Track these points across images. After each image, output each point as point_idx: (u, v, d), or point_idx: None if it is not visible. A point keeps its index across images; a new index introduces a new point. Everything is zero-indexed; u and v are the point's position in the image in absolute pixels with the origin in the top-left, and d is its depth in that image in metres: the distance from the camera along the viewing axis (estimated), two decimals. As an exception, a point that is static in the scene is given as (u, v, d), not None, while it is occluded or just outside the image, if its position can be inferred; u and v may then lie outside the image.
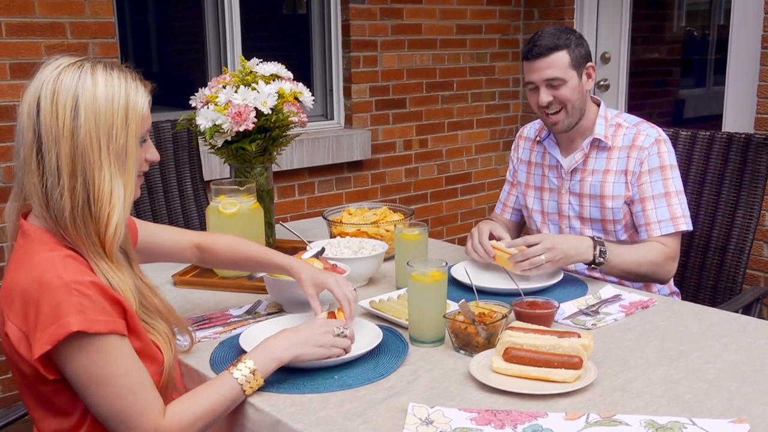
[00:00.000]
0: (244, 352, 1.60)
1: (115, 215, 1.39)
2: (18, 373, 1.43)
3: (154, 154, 1.51)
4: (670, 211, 2.24)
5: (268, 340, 1.55)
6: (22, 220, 1.43)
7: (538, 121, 2.50)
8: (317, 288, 1.75)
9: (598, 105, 2.35)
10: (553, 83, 2.22)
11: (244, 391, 1.47)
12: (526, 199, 2.50)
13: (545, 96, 2.23)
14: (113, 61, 1.44)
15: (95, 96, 1.36)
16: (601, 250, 2.12)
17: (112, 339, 1.34)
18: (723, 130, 3.58)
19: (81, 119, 1.35)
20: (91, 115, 1.36)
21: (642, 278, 2.23)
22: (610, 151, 2.30)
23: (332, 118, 4.28)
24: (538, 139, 2.45)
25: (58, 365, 1.35)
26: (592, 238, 2.16)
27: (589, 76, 2.28)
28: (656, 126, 2.32)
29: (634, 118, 2.34)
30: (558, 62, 2.21)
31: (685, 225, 2.25)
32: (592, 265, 2.14)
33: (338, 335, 1.58)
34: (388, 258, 2.26)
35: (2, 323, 1.40)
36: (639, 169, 2.25)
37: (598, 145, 2.31)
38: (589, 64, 2.28)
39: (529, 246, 2.09)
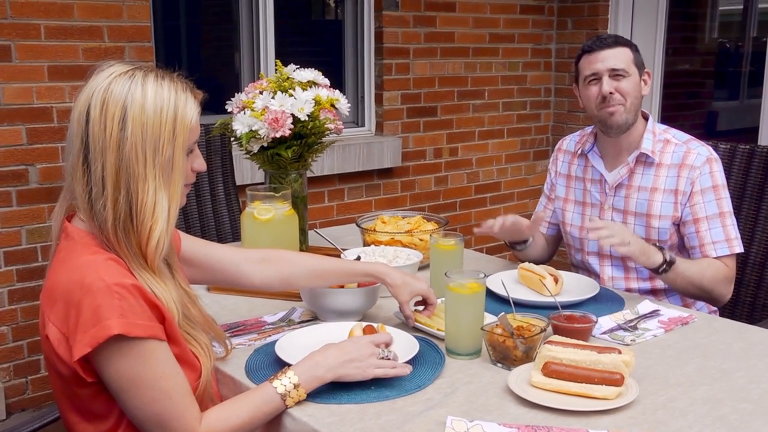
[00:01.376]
0: (280, 360, 1.60)
1: (157, 229, 1.38)
2: (55, 375, 1.43)
3: (201, 164, 1.50)
4: (724, 232, 2.20)
5: (313, 356, 1.52)
6: (66, 222, 1.44)
7: (578, 133, 2.47)
8: (411, 295, 1.81)
9: (646, 119, 2.31)
10: (617, 74, 2.21)
11: (286, 403, 1.45)
12: (565, 213, 2.46)
13: (607, 86, 2.21)
14: (164, 70, 1.43)
15: (144, 108, 1.36)
16: (668, 253, 2.08)
17: (151, 343, 1.34)
18: (759, 144, 3.53)
19: (128, 131, 1.35)
20: (138, 128, 1.35)
21: (702, 292, 2.17)
22: (658, 168, 2.26)
23: (363, 125, 4.27)
24: (580, 151, 2.42)
25: (96, 368, 1.35)
26: (654, 244, 2.11)
27: (645, 82, 2.27)
28: (706, 144, 2.28)
29: (683, 135, 2.30)
30: (623, 55, 2.23)
31: (739, 247, 2.21)
32: (663, 267, 2.07)
33: (382, 358, 1.56)
34: (422, 267, 2.24)
35: (43, 324, 1.40)
36: (690, 189, 2.21)
37: (644, 160, 2.27)
38: (646, 70, 2.27)
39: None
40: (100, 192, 1.36)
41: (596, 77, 2.23)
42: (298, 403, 1.47)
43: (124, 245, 1.38)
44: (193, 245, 1.78)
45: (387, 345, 1.61)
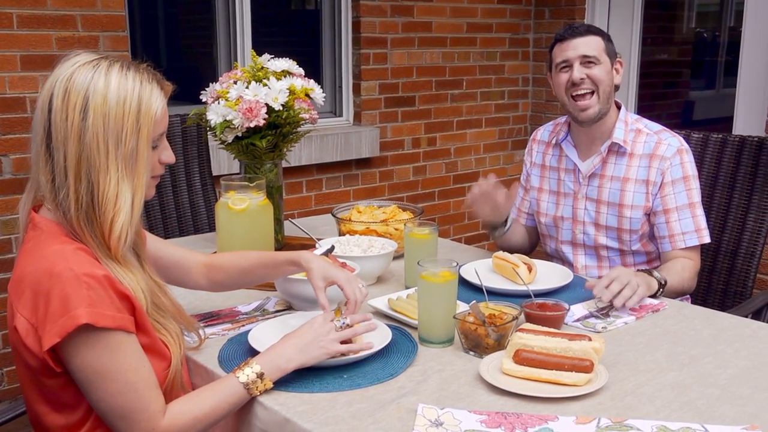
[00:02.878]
0: (253, 349, 1.60)
1: (119, 220, 1.37)
2: (23, 366, 1.42)
3: (169, 156, 1.49)
4: (694, 223, 2.23)
5: (274, 348, 1.53)
6: (33, 213, 1.43)
7: (552, 123, 2.48)
8: (326, 281, 1.68)
9: (619, 108, 2.33)
10: (588, 60, 2.23)
11: (251, 393, 1.46)
12: (540, 203, 2.48)
13: (578, 72, 2.22)
14: (132, 61, 1.42)
15: (106, 98, 1.35)
16: (661, 276, 2.06)
17: (118, 335, 1.34)
18: (734, 133, 3.56)
19: (89, 121, 1.34)
20: (99, 118, 1.34)
21: (680, 294, 2.22)
22: (630, 158, 2.28)
23: (341, 115, 4.27)
24: (554, 141, 2.43)
25: (63, 359, 1.35)
26: (643, 270, 2.08)
27: (617, 71, 2.29)
28: (677, 134, 2.30)
29: (655, 125, 2.32)
30: (594, 43, 2.24)
31: (707, 237, 2.25)
32: (660, 291, 2.04)
33: (340, 328, 1.56)
34: (397, 257, 2.25)
35: (11, 315, 1.39)
36: (661, 179, 2.23)
37: (617, 150, 2.29)
38: (618, 59, 2.29)
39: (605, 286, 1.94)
40: (63, 181, 1.35)
41: (567, 64, 2.25)
42: (267, 392, 1.48)
43: (88, 235, 1.37)
44: (155, 244, 1.77)
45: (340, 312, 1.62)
